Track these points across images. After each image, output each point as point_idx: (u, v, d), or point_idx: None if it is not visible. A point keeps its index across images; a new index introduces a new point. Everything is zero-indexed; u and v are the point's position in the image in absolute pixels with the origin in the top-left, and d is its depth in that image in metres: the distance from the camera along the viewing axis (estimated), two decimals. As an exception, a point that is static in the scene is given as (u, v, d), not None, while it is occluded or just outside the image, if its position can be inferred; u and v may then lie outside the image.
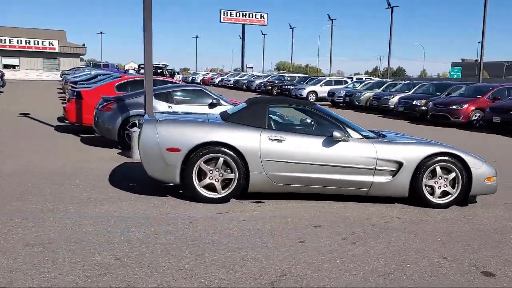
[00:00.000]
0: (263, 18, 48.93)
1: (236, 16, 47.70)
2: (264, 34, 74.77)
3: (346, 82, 30.85)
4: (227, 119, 5.91)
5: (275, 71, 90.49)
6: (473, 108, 17.14)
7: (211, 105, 9.70)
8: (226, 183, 5.59)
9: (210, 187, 5.57)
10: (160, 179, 5.70)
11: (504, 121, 15.30)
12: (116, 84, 11.62)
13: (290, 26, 66.56)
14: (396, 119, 19.47)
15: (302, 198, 5.81)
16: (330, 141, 5.65)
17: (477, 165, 5.74)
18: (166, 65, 34.84)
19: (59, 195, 5.67)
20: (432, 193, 5.73)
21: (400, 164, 5.66)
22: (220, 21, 47.12)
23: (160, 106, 9.41)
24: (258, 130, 5.63)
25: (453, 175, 5.72)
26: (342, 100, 25.21)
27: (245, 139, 5.56)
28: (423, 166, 5.65)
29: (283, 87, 33.47)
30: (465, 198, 5.81)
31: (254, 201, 5.72)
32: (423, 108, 19.10)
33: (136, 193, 5.87)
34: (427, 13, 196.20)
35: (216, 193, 5.58)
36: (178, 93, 9.70)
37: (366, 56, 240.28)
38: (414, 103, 19.38)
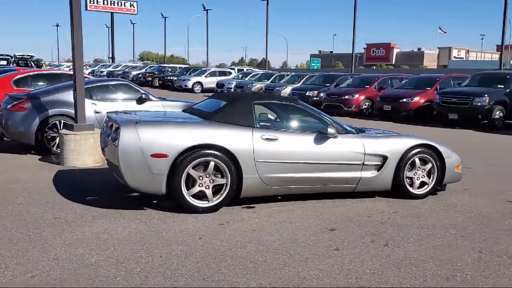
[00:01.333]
0: (133, 6, 46.76)
1: (103, 3, 44.89)
2: (133, 23, 71.70)
3: (230, 73, 30.93)
4: (209, 118, 5.35)
5: (139, 61, 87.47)
6: (363, 97, 18.29)
7: (140, 101, 8.90)
8: (216, 189, 5.07)
9: (199, 195, 5.01)
10: (144, 191, 4.98)
11: (394, 109, 16.57)
12: (14, 78, 10.06)
13: (162, 16, 64.74)
14: None
15: (287, 199, 5.51)
16: (321, 138, 5.44)
17: (449, 155, 5.99)
18: (31, 56, 31.42)
19: (17, 219, 4.64)
20: (411, 184, 5.85)
21: (385, 158, 5.67)
22: (86, 8, 43.86)
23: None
24: (248, 129, 5.20)
25: (429, 165, 5.90)
26: (232, 91, 25.16)
27: (237, 139, 5.09)
28: (405, 158, 5.73)
29: (165, 78, 32.42)
30: (438, 187, 6.03)
31: (244, 206, 5.29)
32: (316, 98, 19.89)
33: (106, 208, 5.06)
34: (288, 7, 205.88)
35: (207, 202, 5.03)
36: (103, 89, 8.69)
37: (232, 47, 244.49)
38: (307, 94, 20.05)
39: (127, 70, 39.59)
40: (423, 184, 5.91)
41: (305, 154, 5.35)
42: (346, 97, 18.20)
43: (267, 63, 43.24)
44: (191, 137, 4.91)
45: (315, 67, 76.17)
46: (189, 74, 31.60)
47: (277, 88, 22.42)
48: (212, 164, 4.96)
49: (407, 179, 5.80)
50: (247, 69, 34.90)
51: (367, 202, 5.63)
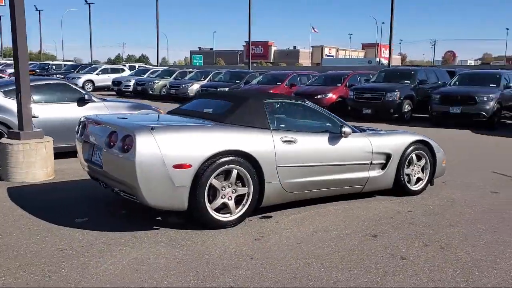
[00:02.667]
0: (0, -4, 41.99)
1: (-37, -8, 39.65)
2: (0, 16, 64.58)
3: (123, 70, 29.23)
4: (220, 120, 4.77)
5: (1, 57, 79.17)
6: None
7: (81, 102, 7.86)
8: (237, 200, 4.55)
9: (220, 208, 4.45)
10: (165, 208, 4.27)
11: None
12: None
13: (36, 9, 59.14)
14: None
15: (293, 206, 5.14)
16: (334, 138, 5.18)
17: (438, 150, 6.10)
18: None
19: (12, 257, 3.68)
20: (409, 181, 5.85)
21: (388, 156, 5.59)
22: None
23: (14, 105, 7.12)
24: (267, 132, 4.74)
25: (423, 161, 5.95)
26: (131, 89, 23.80)
27: (259, 144, 4.61)
28: (404, 155, 5.71)
29: (52, 76, 29.61)
30: (429, 182, 6.12)
31: (261, 217, 4.83)
32: (227, 95, 19.57)
33: (109, 231, 4.26)
34: (167, 2, 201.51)
35: (229, 214, 4.49)
36: (39, 90, 7.48)
37: (107, 43, 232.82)
38: (218, 91, 19.65)
39: (1, 68, 35.38)
40: (418, 180, 5.95)
41: (322, 156, 5.05)
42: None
43: (157, 59, 41.70)
44: (215, 143, 4.32)
45: (197, 63, 75.75)
46: (77, 72, 29.24)
47: (183, 85, 21.69)
48: (235, 172, 4.43)
49: (405, 176, 5.78)
50: (139, 66, 33.30)
51: (375, 203, 5.50)
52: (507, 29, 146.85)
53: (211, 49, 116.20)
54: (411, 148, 5.77)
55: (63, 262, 3.57)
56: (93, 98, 8.03)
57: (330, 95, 16.70)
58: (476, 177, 7.01)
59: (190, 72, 24.45)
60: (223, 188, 4.41)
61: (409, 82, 16.04)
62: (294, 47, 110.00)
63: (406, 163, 5.76)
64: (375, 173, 5.52)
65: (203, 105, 5.40)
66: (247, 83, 20.08)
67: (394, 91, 15.12)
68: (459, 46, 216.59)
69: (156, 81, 23.11)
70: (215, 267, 3.57)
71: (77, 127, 5.25)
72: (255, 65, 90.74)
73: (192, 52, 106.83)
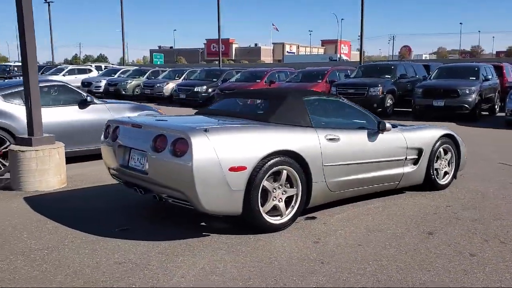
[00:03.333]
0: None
1: None
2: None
3: (90, 70, 28.29)
4: (264, 120, 4.59)
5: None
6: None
7: (83, 104, 7.52)
8: (285, 202, 4.40)
9: (270, 211, 4.29)
10: (221, 213, 4.07)
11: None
12: None
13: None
14: (176, 107, 19.02)
15: (329, 206, 5.02)
16: (373, 134, 5.10)
17: (461, 143, 6.13)
18: None
19: (71, 275, 3.39)
20: (437, 175, 5.84)
21: (420, 151, 5.56)
22: None
23: (15, 109, 6.73)
24: (312, 130, 4.60)
25: (449, 155, 5.96)
26: (102, 90, 23.08)
27: (306, 143, 4.46)
28: (433, 149, 5.70)
29: (12, 78, 28.32)
30: (454, 176, 6.14)
31: (306, 218, 4.69)
32: (205, 94, 19.34)
33: (160, 239, 4.02)
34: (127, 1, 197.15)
35: (279, 217, 4.33)
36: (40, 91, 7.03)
37: (63, 43, 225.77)
38: (195, 90, 19.35)
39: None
40: (444, 174, 5.95)
41: (363, 153, 4.96)
42: (241, 91, 17.96)
43: (124, 59, 40.66)
44: (267, 144, 4.15)
45: (158, 62, 74.56)
46: (42, 74, 28.07)
47: (158, 85, 21.23)
48: (285, 172, 4.28)
49: (434, 171, 5.77)
50: (105, 66, 32.33)
51: (409, 199, 5.45)
52: (461, 23, 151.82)
53: (171, 47, 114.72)
54: (439, 142, 5.76)
55: (130, 277, 3.32)
56: (95, 100, 7.66)
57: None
58: (486, 169, 7.11)
59: (162, 71, 23.93)
60: (274, 190, 4.25)
61: (389, 77, 16.25)
62: (256, 44, 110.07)
63: (435, 158, 5.75)
64: (408, 168, 5.48)
65: (235, 104, 5.21)
66: (224, 81, 19.84)
67: (377, 86, 15.27)
68: (414, 41, 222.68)
69: (129, 81, 22.51)
70: (291, 274, 3.41)
71: (104, 131, 4.96)
72: (216, 62, 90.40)
73: (152, 51, 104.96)
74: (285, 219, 4.33)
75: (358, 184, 4.99)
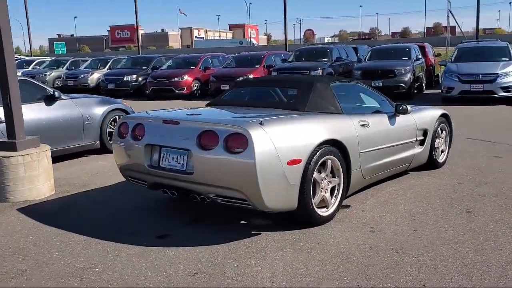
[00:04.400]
0: None
1: None
2: None
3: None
4: (298, 109, 4.39)
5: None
6: (192, 78, 17.76)
7: (50, 100, 6.80)
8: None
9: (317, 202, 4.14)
10: (279, 210, 3.85)
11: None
12: None
13: None
14: (143, 100, 17.77)
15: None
16: (392, 117, 5.11)
17: (452, 121, 6.36)
18: None
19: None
20: (436, 154, 6.01)
21: (425, 132, 5.68)
22: None
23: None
24: (346, 117, 4.49)
25: (444, 133, 6.17)
26: (17, 84, 21.15)
27: (345, 130, 4.35)
28: (434, 129, 5.85)
29: None
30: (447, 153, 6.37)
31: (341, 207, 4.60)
32: (135, 83, 18.52)
33: (214, 243, 3.72)
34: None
35: (325, 208, 4.19)
36: (2, 88, 6.20)
37: None
38: (125, 79, 18.43)
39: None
40: (441, 152, 6.15)
41: (388, 137, 4.96)
42: (176, 79, 17.40)
43: (30, 50, 37.53)
44: (316, 134, 3.98)
45: (60, 51, 70.16)
46: None
47: (82, 75, 19.90)
48: (329, 162, 4.14)
49: (434, 150, 5.93)
50: (20, 57, 29.55)
51: (419, 180, 5.55)
52: (360, 6, 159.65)
53: (72, 35, 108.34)
54: (438, 122, 5.92)
55: (217, 289, 3.02)
56: (62, 95, 6.94)
57: (251, 77, 16.55)
58: (461, 145, 7.46)
59: (83, 61, 22.43)
60: (321, 181, 4.10)
61: (326, 60, 16.55)
62: (163, 29, 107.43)
63: (435, 137, 5.91)
64: (418, 149, 5.58)
65: (255, 94, 4.95)
66: (155, 68, 19.03)
67: (317, 70, 15.49)
68: (317, 25, 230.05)
69: (48, 73, 20.84)
70: (379, 267, 3.29)
71: (117, 129, 4.47)
72: (121, 49, 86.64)
73: (52, 40, 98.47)
74: (330, 210, 4.20)
75: (383, 169, 4.99)
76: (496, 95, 12.55)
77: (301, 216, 3.99)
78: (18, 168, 4.95)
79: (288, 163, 3.70)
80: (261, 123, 3.68)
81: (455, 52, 14.73)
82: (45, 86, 6.96)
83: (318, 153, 3.95)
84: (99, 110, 7.35)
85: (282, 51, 21.15)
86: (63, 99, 6.94)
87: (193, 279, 3.17)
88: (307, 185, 3.87)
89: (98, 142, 7.34)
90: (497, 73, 12.61)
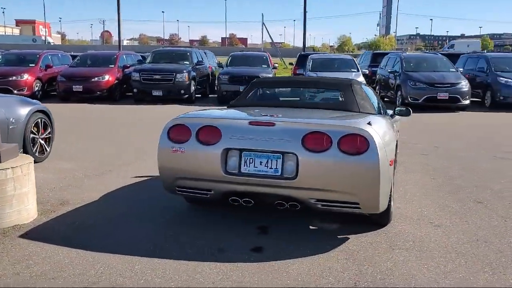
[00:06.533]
0: None
1: None
2: None
3: None
4: (354, 110, 4.40)
5: None
6: (33, 78, 15.62)
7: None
8: None
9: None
10: (381, 211, 3.73)
11: (87, 90, 15.06)
12: None
13: None
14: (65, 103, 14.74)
15: None
16: (391, 118, 5.42)
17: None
18: None
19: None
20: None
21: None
22: None
23: None
24: (384, 117, 4.65)
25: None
26: None
27: (395, 130, 4.57)
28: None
29: None
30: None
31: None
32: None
33: (306, 255, 3.51)
34: None
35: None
36: None
37: None
38: None
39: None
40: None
41: (394, 137, 5.25)
42: (14, 78, 15.08)
43: None
44: (394, 135, 4.11)
45: None
46: None
47: None
48: None
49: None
50: None
51: (405, 176, 6.02)
52: (163, 12, 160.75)
53: None
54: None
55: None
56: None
57: (107, 77, 15.37)
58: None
59: None
60: (390, 181, 4.20)
61: (188, 63, 16.34)
62: None
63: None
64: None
65: (289, 95, 4.79)
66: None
67: (183, 72, 15.21)
68: (115, 26, 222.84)
69: None
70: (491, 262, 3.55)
71: (167, 133, 3.81)
72: None
73: None
74: (392, 210, 4.29)
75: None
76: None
77: (382, 217, 3.99)
78: (7, 185, 3.80)
79: (390, 164, 3.70)
80: (369, 123, 3.61)
81: (310, 62, 15.99)
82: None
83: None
84: (23, 112, 6.03)
85: (131, 52, 19.98)
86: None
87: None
88: (392, 187, 3.93)
89: (22, 150, 6.01)
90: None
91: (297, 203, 3.64)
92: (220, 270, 3.18)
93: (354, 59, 16.22)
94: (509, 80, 14.21)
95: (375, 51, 25.45)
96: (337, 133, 3.50)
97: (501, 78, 14.37)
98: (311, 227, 4.08)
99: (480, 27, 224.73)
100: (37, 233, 3.77)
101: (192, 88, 15.53)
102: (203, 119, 3.85)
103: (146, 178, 5.62)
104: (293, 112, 4.26)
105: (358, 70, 15.10)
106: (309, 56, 16.68)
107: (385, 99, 15.13)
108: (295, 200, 3.62)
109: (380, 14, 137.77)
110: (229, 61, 16.83)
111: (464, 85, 13.66)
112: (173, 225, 4.05)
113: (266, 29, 28.74)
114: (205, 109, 4.53)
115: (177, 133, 3.80)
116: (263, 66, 16.32)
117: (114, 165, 6.25)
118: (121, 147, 7.58)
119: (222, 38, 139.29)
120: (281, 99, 4.89)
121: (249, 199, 3.72)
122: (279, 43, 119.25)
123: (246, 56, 17.45)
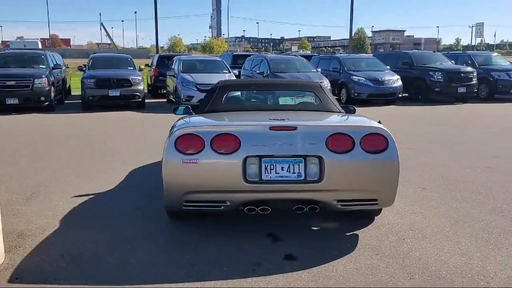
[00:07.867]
0: None
1: None
2: None
3: None
4: (326, 110, 4.49)
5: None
6: None
7: None
8: None
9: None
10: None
11: None
12: None
13: None
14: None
15: None
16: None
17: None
18: None
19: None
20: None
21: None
22: None
23: None
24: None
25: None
26: None
27: None
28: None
29: None
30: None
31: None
32: None
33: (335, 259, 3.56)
34: None
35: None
36: None
37: None
38: None
39: None
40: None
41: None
42: None
43: None
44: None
45: None
46: None
47: None
48: None
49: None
50: None
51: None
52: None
53: None
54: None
55: None
56: None
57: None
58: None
59: None
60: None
61: (44, 66, 14.74)
62: None
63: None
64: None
65: (264, 98, 4.65)
66: None
67: (42, 77, 13.68)
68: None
69: None
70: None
71: (174, 144, 3.43)
72: None
73: None
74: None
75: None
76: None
77: (379, 210, 4.18)
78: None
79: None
80: (379, 122, 3.74)
81: (179, 64, 15.66)
82: None
83: None
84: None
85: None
86: None
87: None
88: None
89: None
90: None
91: (317, 206, 3.62)
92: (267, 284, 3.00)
93: (223, 60, 16.42)
94: (362, 78, 15.86)
95: (234, 53, 26.13)
96: (359, 133, 3.56)
97: (354, 77, 15.97)
98: (313, 228, 4.08)
99: (299, 31, 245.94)
100: (29, 274, 3.09)
101: (52, 94, 14.07)
102: (218, 126, 3.58)
103: (89, 196, 4.97)
104: (288, 114, 4.20)
105: (229, 71, 15.31)
106: (177, 58, 16.36)
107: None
108: (318, 203, 3.59)
109: (211, 17, 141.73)
110: (90, 64, 15.61)
111: (327, 84, 14.85)
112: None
113: (105, 29, 27.33)
114: (184, 117, 4.20)
115: (187, 143, 3.46)
116: (129, 68, 15.53)
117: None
118: None
119: (42, 39, 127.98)
120: (257, 102, 4.76)
121: (267, 207, 3.58)
122: (107, 44, 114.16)
123: (109, 58, 16.41)
